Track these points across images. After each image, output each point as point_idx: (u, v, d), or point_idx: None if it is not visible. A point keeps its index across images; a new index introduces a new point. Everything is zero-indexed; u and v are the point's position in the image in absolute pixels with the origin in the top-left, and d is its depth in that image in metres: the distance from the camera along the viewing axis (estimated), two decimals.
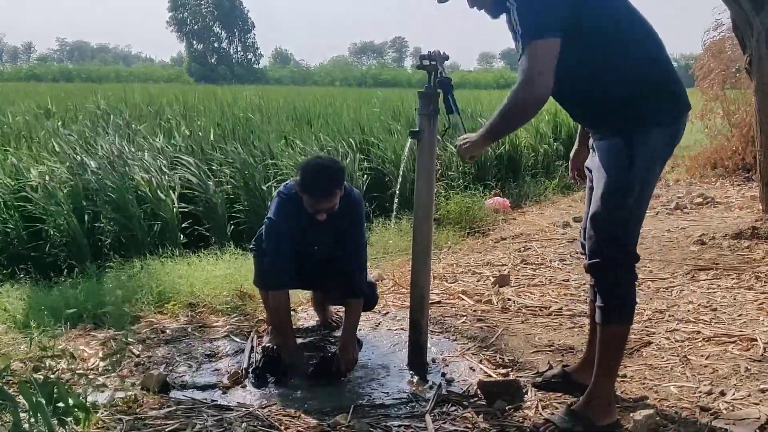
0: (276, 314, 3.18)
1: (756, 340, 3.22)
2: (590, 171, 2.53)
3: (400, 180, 3.02)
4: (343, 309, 3.53)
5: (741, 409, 2.56)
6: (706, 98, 9.14)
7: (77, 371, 2.94)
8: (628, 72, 2.29)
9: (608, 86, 2.31)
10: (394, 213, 3.07)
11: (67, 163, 5.54)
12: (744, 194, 7.46)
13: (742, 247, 4.94)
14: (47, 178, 5.19)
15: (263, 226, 3.15)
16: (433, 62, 2.77)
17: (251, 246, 3.32)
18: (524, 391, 2.77)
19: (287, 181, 3.24)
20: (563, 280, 4.41)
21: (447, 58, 2.80)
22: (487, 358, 3.18)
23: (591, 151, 2.54)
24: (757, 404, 2.59)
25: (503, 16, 2.37)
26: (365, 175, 6.92)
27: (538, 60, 2.17)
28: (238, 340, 3.44)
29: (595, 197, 2.38)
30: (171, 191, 5.47)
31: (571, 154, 2.92)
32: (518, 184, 8.33)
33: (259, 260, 3.23)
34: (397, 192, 3.11)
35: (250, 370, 3.02)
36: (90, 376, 2.87)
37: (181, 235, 5.35)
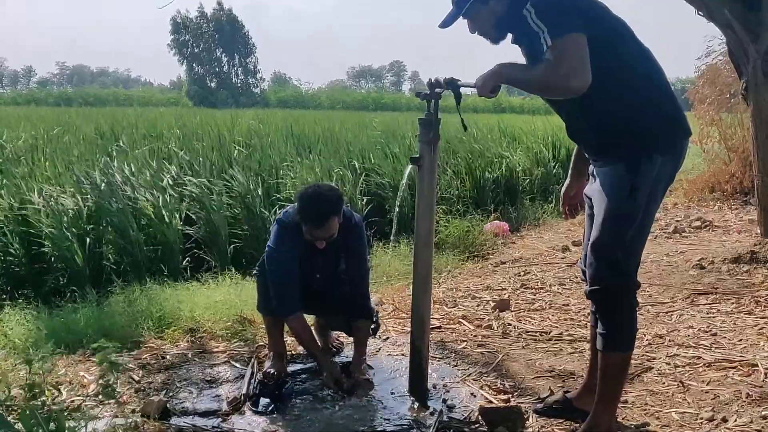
0: (300, 339, 3.23)
1: (757, 365, 3.22)
2: (589, 198, 2.54)
3: (397, 209, 3.04)
4: (345, 333, 3.55)
5: None
6: (703, 122, 9.20)
7: (77, 398, 2.94)
8: (630, 100, 2.31)
9: (611, 114, 2.32)
10: (393, 236, 3.09)
11: (68, 187, 5.55)
12: (742, 218, 7.49)
13: (741, 272, 4.95)
14: (48, 202, 5.20)
15: (265, 254, 3.17)
16: (438, 91, 2.75)
17: (255, 272, 3.34)
18: (525, 417, 2.77)
19: (286, 208, 3.26)
20: (563, 305, 4.41)
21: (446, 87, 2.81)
22: (488, 384, 3.18)
23: (591, 177, 2.55)
24: (759, 430, 2.59)
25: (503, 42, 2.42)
26: (365, 200, 6.95)
27: (572, 52, 2.13)
28: (238, 365, 3.44)
29: (596, 224, 2.39)
30: (175, 214, 5.48)
31: (563, 189, 2.88)
32: (516, 207, 8.34)
33: (263, 287, 3.24)
34: (395, 220, 3.13)
35: (248, 396, 3.02)
36: (89, 403, 2.86)
37: (182, 260, 5.35)
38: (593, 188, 2.47)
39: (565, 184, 2.87)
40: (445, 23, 2.49)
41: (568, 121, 2.50)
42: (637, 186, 2.29)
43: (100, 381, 2.89)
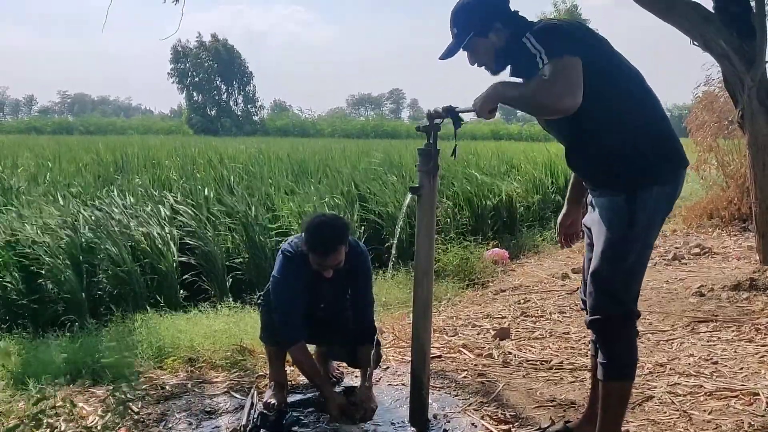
0: (301, 367, 3.22)
1: (758, 394, 3.20)
2: (588, 228, 2.55)
3: (397, 236, 3.09)
4: (345, 363, 3.55)
5: None
6: (700, 149, 9.25)
7: (76, 429, 2.92)
8: (630, 130, 2.32)
9: (611, 144, 2.34)
10: (391, 265, 3.09)
11: (66, 218, 5.56)
12: (741, 244, 7.49)
13: (740, 299, 4.94)
14: (44, 233, 5.20)
15: (270, 284, 3.18)
16: (438, 122, 2.77)
17: (259, 302, 3.36)
18: None
19: (290, 239, 3.29)
20: (563, 333, 4.40)
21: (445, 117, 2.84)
22: (489, 414, 3.16)
23: (590, 207, 2.56)
24: None
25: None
26: (363, 228, 6.96)
27: (567, 72, 2.18)
28: (238, 396, 3.42)
29: (596, 254, 2.39)
30: (171, 244, 5.48)
31: (560, 218, 2.88)
32: (515, 235, 8.35)
33: (268, 317, 3.25)
34: (394, 251, 3.14)
35: (248, 427, 3.00)
36: None
37: (181, 289, 5.34)
38: (593, 218, 2.48)
39: (562, 213, 2.87)
40: (445, 55, 2.53)
41: (568, 151, 2.51)
42: (636, 216, 2.30)
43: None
